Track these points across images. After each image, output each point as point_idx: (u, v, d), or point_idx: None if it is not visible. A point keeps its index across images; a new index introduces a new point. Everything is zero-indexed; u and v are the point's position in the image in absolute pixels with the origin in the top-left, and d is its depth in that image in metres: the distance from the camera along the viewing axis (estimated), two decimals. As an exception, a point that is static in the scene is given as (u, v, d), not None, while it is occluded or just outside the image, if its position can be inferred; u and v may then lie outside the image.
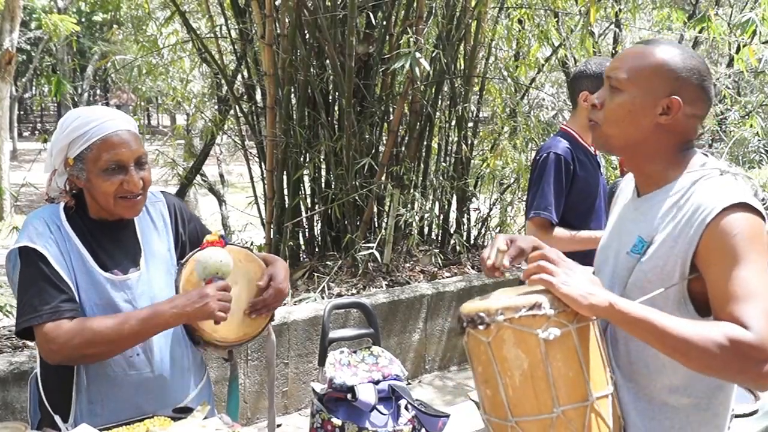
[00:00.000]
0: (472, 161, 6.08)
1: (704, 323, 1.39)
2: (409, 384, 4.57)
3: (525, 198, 3.08)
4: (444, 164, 5.84)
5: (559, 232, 2.82)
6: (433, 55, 5.25)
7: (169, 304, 1.81)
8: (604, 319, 1.47)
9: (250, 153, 6.14)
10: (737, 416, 2.34)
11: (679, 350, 1.36)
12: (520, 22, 6.32)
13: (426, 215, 5.69)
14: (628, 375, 1.59)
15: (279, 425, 3.84)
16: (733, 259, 1.40)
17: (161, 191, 2.12)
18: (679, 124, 1.54)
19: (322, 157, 5.34)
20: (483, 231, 6.44)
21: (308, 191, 5.48)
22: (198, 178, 8.16)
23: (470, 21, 5.43)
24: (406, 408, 2.34)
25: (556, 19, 6.32)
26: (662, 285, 1.49)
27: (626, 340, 1.57)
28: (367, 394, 2.27)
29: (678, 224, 1.49)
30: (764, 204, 1.52)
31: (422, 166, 5.64)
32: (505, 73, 6.35)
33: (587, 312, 1.39)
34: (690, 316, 1.48)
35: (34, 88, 30.22)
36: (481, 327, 1.41)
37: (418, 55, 4.39)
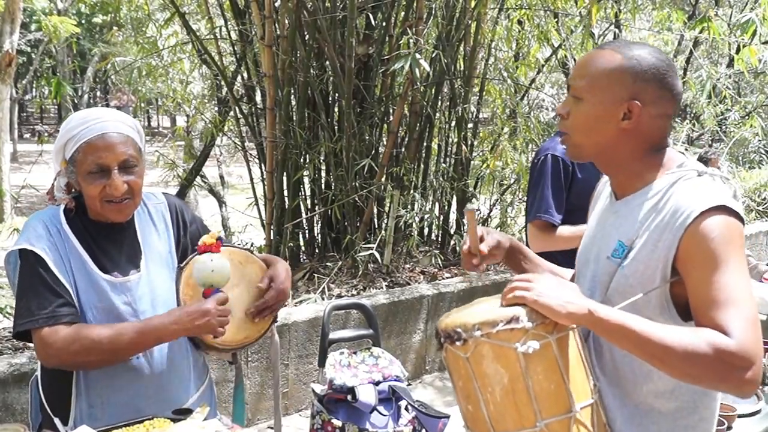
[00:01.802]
0: (472, 162, 6.08)
1: (684, 330, 1.37)
2: (410, 385, 4.57)
3: (525, 199, 3.08)
4: (444, 165, 5.83)
5: (562, 229, 2.82)
6: (433, 56, 5.25)
7: (170, 318, 1.82)
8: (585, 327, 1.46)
9: (250, 154, 6.14)
10: (740, 416, 2.34)
11: (658, 357, 1.35)
12: (519, 22, 6.33)
13: (426, 216, 5.69)
14: (614, 381, 1.56)
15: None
16: (713, 264, 1.38)
17: (163, 192, 2.11)
18: (645, 127, 1.51)
19: (322, 158, 5.34)
20: (483, 232, 6.42)
21: (308, 192, 5.48)
22: (198, 179, 8.15)
23: (470, 22, 5.43)
24: (407, 409, 2.34)
25: (556, 19, 6.32)
26: (643, 289, 1.47)
27: (610, 346, 1.55)
28: (367, 395, 2.27)
29: (657, 227, 1.46)
30: (750, 205, 1.50)
31: (422, 166, 5.64)
32: (505, 74, 6.35)
33: (566, 321, 1.38)
34: (672, 319, 1.46)
35: (34, 90, 30.23)
36: (458, 343, 1.39)
37: (417, 56, 4.38)
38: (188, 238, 2.08)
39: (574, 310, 1.36)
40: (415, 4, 5.01)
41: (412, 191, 5.34)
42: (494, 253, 1.72)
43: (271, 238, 5.25)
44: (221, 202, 8.69)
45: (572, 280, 1.83)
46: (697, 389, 1.52)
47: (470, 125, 5.94)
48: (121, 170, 1.84)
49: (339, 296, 4.70)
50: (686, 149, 1.69)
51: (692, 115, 7.96)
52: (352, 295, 4.70)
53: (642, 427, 1.53)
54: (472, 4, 5.32)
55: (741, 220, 1.44)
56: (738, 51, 5.65)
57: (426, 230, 5.95)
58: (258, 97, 5.76)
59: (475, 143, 6.16)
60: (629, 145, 1.53)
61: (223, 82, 6.09)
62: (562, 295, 1.39)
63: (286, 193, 5.21)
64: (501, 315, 1.37)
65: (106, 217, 1.90)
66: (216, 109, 7.16)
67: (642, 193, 1.54)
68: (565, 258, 2.50)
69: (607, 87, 1.51)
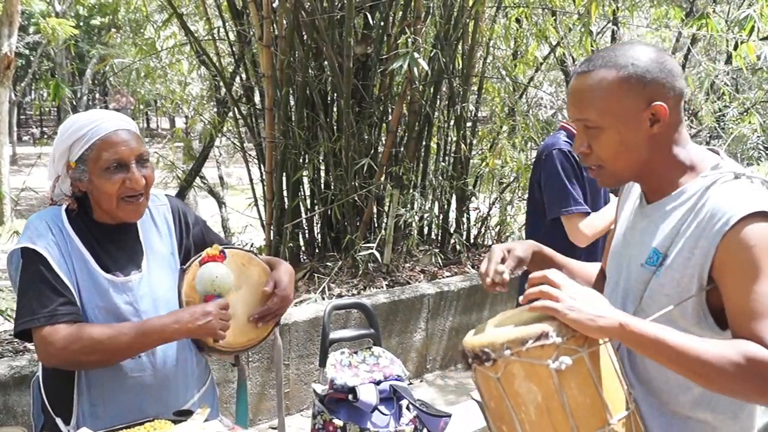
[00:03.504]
0: (471, 161, 6.08)
1: (721, 342, 1.32)
2: (411, 384, 4.57)
3: (524, 197, 3.07)
4: (443, 164, 5.84)
5: (592, 217, 2.79)
6: (432, 55, 5.25)
7: (172, 318, 1.83)
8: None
9: (250, 155, 6.14)
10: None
11: (695, 371, 1.30)
12: (517, 21, 6.33)
13: (425, 215, 5.69)
14: (649, 390, 1.51)
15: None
16: (752, 273, 1.31)
17: (165, 194, 2.12)
18: (670, 121, 1.45)
19: (321, 158, 5.34)
20: (483, 230, 6.44)
21: (308, 192, 5.49)
22: (197, 180, 8.15)
23: (468, 20, 5.43)
24: (408, 408, 2.34)
25: (554, 17, 6.32)
26: (679, 298, 1.41)
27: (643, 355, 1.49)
28: (368, 395, 2.27)
29: (693, 234, 1.40)
30: None
31: (421, 166, 5.64)
32: (504, 73, 6.35)
33: (597, 335, 1.33)
34: (709, 328, 1.41)
35: (33, 92, 30.22)
36: (487, 363, 1.34)
37: (416, 55, 4.39)
38: (191, 240, 2.09)
39: (605, 324, 1.31)
40: (413, 4, 5.01)
41: (411, 190, 5.34)
42: (516, 271, 1.64)
43: (271, 238, 5.25)
44: (221, 203, 8.69)
45: (596, 280, 1.80)
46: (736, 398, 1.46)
47: (469, 124, 5.94)
48: (137, 164, 1.86)
49: (339, 296, 4.70)
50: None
51: (690, 111, 7.97)
52: (353, 295, 4.70)
53: None
54: (470, 2, 5.32)
55: None
56: (736, 47, 5.65)
57: (426, 229, 5.96)
58: (257, 98, 5.77)
59: (474, 142, 6.17)
60: (662, 145, 1.47)
61: (221, 83, 6.09)
62: (593, 308, 1.33)
63: (285, 193, 5.21)
64: (529, 332, 1.32)
65: (116, 218, 1.91)
66: (215, 110, 7.16)
67: (674, 196, 1.47)
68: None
69: (619, 104, 1.43)
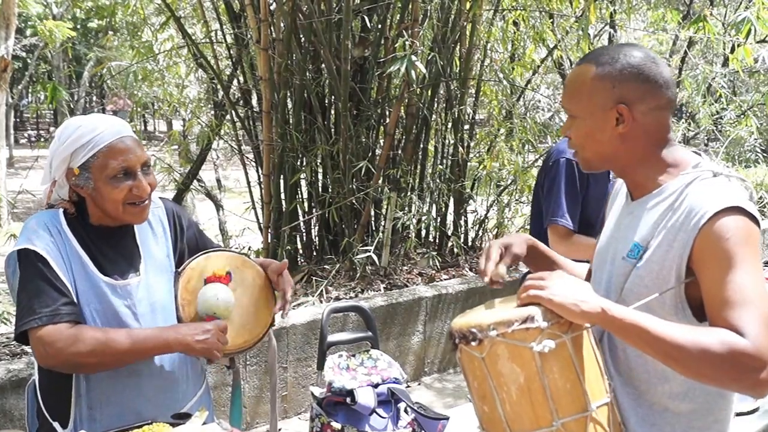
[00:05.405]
0: (469, 163, 6.08)
1: (699, 329, 1.37)
2: (409, 387, 4.57)
3: (521, 200, 3.06)
4: (441, 167, 5.84)
5: (580, 238, 2.75)
6: (429, 57, 5.25)
7: (174, 331, 1.85)
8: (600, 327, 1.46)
9: (247, 158, 6.13)
10: (738, 414, 2.34)
11: (672, 357, 1.34)
12: (515, 23, 6.34)
13: (423, 218, 5.69)
14: (628, 381, 1.56)
15: (279, 429, 3.83)
16: (727, 264, 1.38)
17: (160, 197, 2.12)
18: (642, 125, 1.52)
19: (319, 160, 5.34)
20: (480, 233, 6.44)
21: (305, 195, 5.48)
22: (195, 183, 8.13)
23: (465, 23, 5.44)
24: (406, 411, 2.34)
25: (551, 20, 6.33)
26: (658, 290, 1.47)
27: (624, 345, 1.55)
28: (366, 398, 2.27)
29: (672, 228, 1.46)
30: (762, 204, 1.49)
31: (419, 168, 5.65)
32: (501, 75, 6.35)
33: (580, 319, 1.38)
34: (687, 320, 1.46)
35: (30, 95, 30.15)
36: (473, 343, 1.39)
37: (413, 58, 4.39)
38: (185, 243, 2.09)
39: (587, 309, 1.36)
40: (410, 7, 5.02)
41: (409, 193, 5.34)
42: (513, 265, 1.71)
43: (269, 241, 5.25)
44: (218, 206, 8.67)
45: (588, 277, 1.85)
46: (712, 391, 1.51)
47: (467, 127, 5.94)
48: (142, 172, 1.88)
49: (337, 299, 4.70)
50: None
51: (688, 114, 7.99)
52: (350, 298, 4.70)
53: (656, 428, 1.53)
54: (468, 5, 5.32)
55: (756, 221, 1.43)
56: (733, 50, 5.66)
57: (423, 232, 5.95)
58: (254, 101, 5.76)
59: (472, 144, 6.17)
60: (634, 146, 1.54)
61: (219, 86, 6.09)
62: (576, 294, 1.39)
63: (283, 196, 5.21)
64: (516, 315, 1.37)
65: (119, 221, 1.91)
66: (212, 112, 7.15)
67: (656, 193, 1.54)
68: None
69: (589, 99, 1.53)
